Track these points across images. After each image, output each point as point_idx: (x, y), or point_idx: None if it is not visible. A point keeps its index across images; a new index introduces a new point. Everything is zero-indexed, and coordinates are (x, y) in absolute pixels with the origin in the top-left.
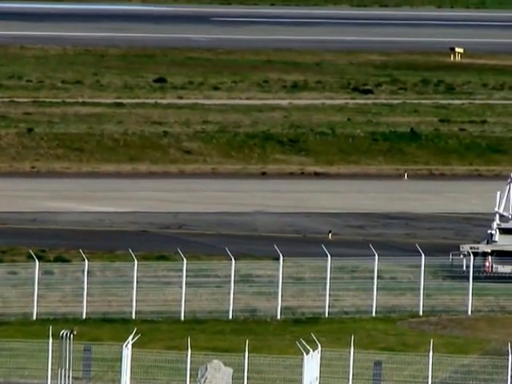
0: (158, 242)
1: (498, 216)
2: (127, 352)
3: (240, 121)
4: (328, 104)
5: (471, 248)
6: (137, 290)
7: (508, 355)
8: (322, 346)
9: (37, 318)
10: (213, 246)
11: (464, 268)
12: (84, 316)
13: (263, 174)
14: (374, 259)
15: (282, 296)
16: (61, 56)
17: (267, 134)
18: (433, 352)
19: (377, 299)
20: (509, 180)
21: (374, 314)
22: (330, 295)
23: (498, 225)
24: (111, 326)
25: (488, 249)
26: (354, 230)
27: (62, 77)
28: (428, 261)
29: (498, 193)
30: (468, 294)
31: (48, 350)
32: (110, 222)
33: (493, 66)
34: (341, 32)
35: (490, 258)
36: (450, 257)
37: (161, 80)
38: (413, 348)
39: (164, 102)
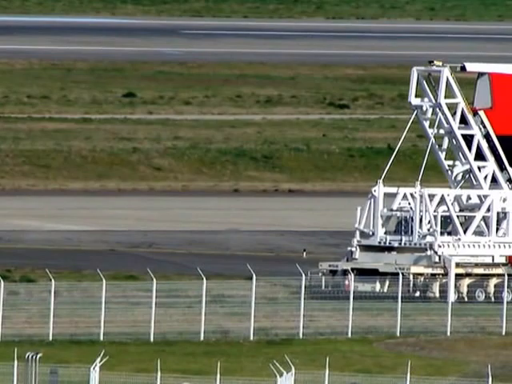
0: (127, 261)
1: (358, 233)
2: (95, 375)
3: (212, 137)
4: (303, 119)
5: (330, 266)
6: (105, 311)
7: (488, 377)
8: (296, 368)
9: (1, 340)
10: (183, 265)
11: (323, 287)
12: (50, 337)
13: (236, 191)
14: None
15: (254, 317)
16: (26, 70)
17: (240, 150)
18: (410, 374)
19: (352, 320)
20: (369, 195)
21: (349, 334)
22: (304, 316)
23: (358, 242)
24: (78, 347)
25: (348, 267)
26: (329, 248)
27: (28, 91)
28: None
29: (359, 208)
30: (447, 315)
31: (13, 373)
32: (77, 241)
33: (472, 79)
34: (316, 45)
35: (349, 276)
36: (309, 275)
37: (130, 95)
38: (390, 370)
39: (133, 117)
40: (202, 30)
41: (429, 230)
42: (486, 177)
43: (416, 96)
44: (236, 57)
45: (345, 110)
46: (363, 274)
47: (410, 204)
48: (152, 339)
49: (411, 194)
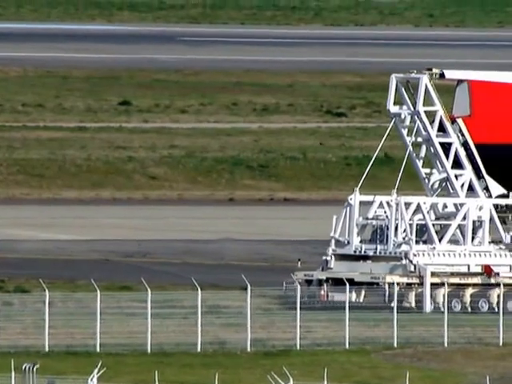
0: (121, 271)
1: (333, 241)
2: None
3: (208, 145)
4: (300, 127)
5: (305, 275)
6: (100, 322)
7: None
8: (294, 380)
9: None
10: (178, 275)
11: (298, 297)
12: (46, 348)
13: (231, 200)
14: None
15: (251, 327)
16: (21, 78)
17: (236, 159)
18: None
19: (350, 330)
20: (345, 204)
21: (347, 345)
22: (301, 326)
23: (333, 251)
24: (75, 358)
25: (323, 276)
26: None
27: (23, 100)
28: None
29: (334, 217)
30: (443, 325)
31: None
32: (71, 251)
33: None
34: (314, 52)
35: (325, 285)
36: (284, 285)
37: (125, 103)
38: (388, 381)
39: (129, 125)
40: (199, 37)
41: (404, 238)
42: (462, 185)
43: (395, 103)
44: (233, 64)
45: (342, 119)
46: (339, 283)
47: (385, 212)
48: (149, 350)
49: (387, 203)
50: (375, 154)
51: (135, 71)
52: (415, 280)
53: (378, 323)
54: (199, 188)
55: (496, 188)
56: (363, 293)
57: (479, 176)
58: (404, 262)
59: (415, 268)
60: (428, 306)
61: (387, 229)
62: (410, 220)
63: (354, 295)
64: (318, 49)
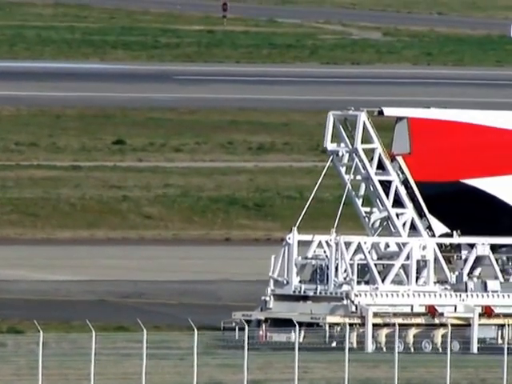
0: (116, 311)
1: (272, 281)
2: None
3: (203, 184)
4: (296, 167)
5: (244, 315)
6: (95, 363)
7: None
8: None
9: None
10: (175, 316)
11: (236, 337)
12: None
13: (227, 240)
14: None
15: (248, 368)
16: (14, 117)
17: (231, 198)
18: None
19: (349, 371)
20: (284, 243)
21: None
22: (298, 367)
23: (272, 291)
24: None
25: (262, 316)
26: None
27: (16, 138)
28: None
29: (273, 257)
30: (446, 366)
31: None
32: (66, 291)
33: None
34: (310, 91)
35: (264, 326)
36: (222, 325)
37: (120, 142)
38: None
39: (123, 164)
40: (194, 76)
41: (345, 278)
42: (404, 224)
43: (333, 141)
44: (228, 103)
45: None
46: (278, 323)
47: (325, 252)
48: None
49: (326, 242)
50: (312, 194)
51: (129, 110)
52: (357, 320)
53: (377, 364)
54: (195, 228)
55: (439, 227)
56: (302, 333)
57: (421, 215)
58: (345, 302)
59: (357, 308)
60: (370, 347)
61: (327, 268)
62: (351, 260)
63: (293, 336)
64: (313, 87)
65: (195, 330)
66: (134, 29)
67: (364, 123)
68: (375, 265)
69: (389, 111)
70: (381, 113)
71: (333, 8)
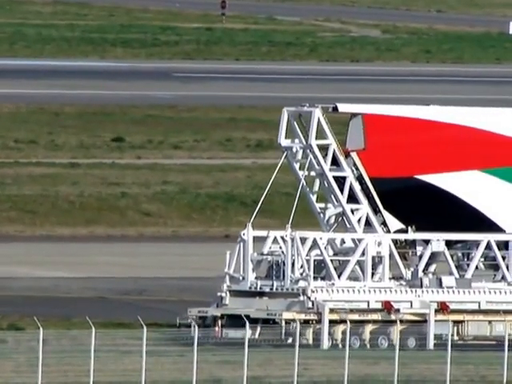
0: (116, 308)
1: (228, 277)
2: None
3: (201, 181)
4: None
5: (199, 312)
6: (95, 360)
7: None
8: None
9: None
10: (175, 312)
11: (192, 334)
12: None
13: (226, 236)
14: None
15: (247, 365)
16: (13, 114)
17: (230, 195)
18: None
19: (349, 368)
20: (239, 239)
21: (345, 383)
22: (298, 364)
23: (228, 287)
24: None
25: (218, 312)
26: None
27: (15, 136)
28: None
29: (228, 253)
30: (446, 363)
31: None
32: (65, 288)
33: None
34: (309, 88)
35: (219, 322)
36: (177, 321)
37: (118, 139)
38: None
39: (122, 162)
40: (193, 73)
41: (301, 274)
42: (359, 220)
43: (287, 137)
44: (227, 100)
45: None
46: (234, 319)
47: (281, 248)
48: None
49: (282, 238)
50: (266, 190)
51: (128, 107)
52: (313, 317)
53: (377, 361)
54: (194, 224)
55: (394, 223)
56: (259, 329)
57: (376, 211)
58: (302, 298)
59: (313, 304)
60: (326, 343)
61: (283, 264)
62: (307, 256)
63: (249, 332)
64: (312, 85)
65: (196, 327)
66: (133, 26)
67: (319, 119)
68: (331, 261)
69: (343, 107)
70: (335, 109)
71: (332, 6)
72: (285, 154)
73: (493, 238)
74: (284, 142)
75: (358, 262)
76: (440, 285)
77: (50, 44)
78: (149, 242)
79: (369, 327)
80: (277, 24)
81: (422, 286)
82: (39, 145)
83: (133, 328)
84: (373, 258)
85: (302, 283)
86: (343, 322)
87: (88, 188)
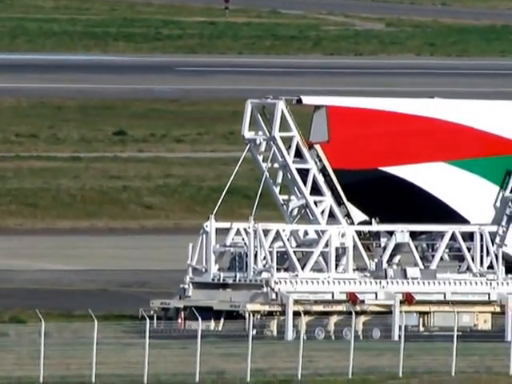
0: (118, 301)
1: (190, 269)
2: None
3: (204, 174)
4: None
5: (162, 303)
6: (97, 352)
7: None
8: None
9: None
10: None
11: (155, 326)
12: (41, 380)
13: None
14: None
15: (251, 357)
16: (15, 108)
17: (232, 188)
18: None
19: (353, 359)
20: (201, 231)
21: (350, 375)
22: (302, 356)
23: (191, 279)
24: None
25: (180, 304)
26: None
27: (16, 130)
28: None
29: (191, 245)
30: (451, 354)
31: None
32: (67, 281)
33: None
34: (312, 81)
35: (182, 314)
36: (140, 313)
37: (121, 133)
38: None
39: (124, 155)
40: (196, 67)
41: (264, 266)
42: (323, 212)
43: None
44: (229, 94)
45: None
46: (198, 312)
47: (243, 239)
48: (146, 381)
49: (245, 229)
50: (229, 181)
51: (130, 101)
52: (277, 308)
53: (382, 352)
54: (196, 217)
55: (358, 214)
56: (222, 321)
57: (340, 202)
58: (265, 289)
59: (277, 296)
60: (290, 335)
61: (246, 256)
62: (270, 247)
63: (212, 324)
64: (317, 78)
65: (199, 319)
66: (135, 20)
67: (282, 111)
68: (294, 252)
69: (307, 100)
70: (299, 101)
71: None
72: (248, 146)
73: (457, 229)
74: (247, 134)
75: (322, 254)
76: (405, 276)
77: (52, 38)
78: (150, 234)
79: (333, 318)
80: (280, 18)
81: (386, 277)
82: (40, 139)
83: (134, 320)
84: (336, 249)
85: (265, 275)
86: (308, 313)
87: (89, 181)
